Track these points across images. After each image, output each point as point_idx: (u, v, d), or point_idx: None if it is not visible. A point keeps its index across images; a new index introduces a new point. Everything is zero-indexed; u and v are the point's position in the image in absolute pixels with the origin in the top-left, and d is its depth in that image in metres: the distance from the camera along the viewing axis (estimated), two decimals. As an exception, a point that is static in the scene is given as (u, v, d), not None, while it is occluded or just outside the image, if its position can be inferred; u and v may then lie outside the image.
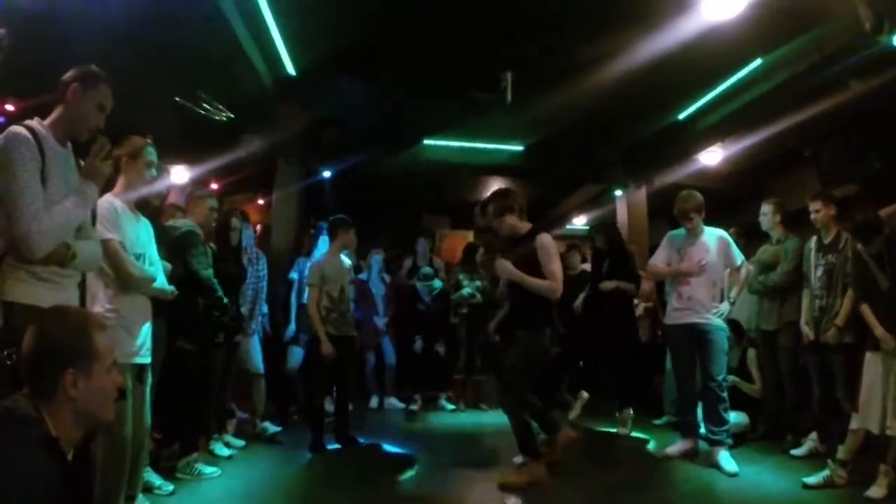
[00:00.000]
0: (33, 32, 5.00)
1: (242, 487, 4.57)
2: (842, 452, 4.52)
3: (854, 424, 4.51)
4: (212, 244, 5.09)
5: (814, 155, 8.48)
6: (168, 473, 4.47)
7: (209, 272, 4.64)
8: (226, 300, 4.83)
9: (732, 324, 5.89)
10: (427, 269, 8.07)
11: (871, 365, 4.40)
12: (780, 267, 5.75)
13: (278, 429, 6.04)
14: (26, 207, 2.57)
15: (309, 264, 6.20)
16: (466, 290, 7.91)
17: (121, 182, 3.54)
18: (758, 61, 6.61)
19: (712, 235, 5.41)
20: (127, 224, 3.45)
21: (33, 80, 3.64)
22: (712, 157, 8.74)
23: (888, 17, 4.85)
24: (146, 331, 3.52)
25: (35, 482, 1.59)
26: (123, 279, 3.39)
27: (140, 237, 3.55)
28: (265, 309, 6.36)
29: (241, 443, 5.61)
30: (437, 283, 8.02)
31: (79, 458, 1.85)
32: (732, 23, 5.24)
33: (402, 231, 10.16)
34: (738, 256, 5.43)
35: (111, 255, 3.30)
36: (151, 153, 3.58)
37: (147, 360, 3.53)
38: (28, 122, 2.72)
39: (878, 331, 4.34)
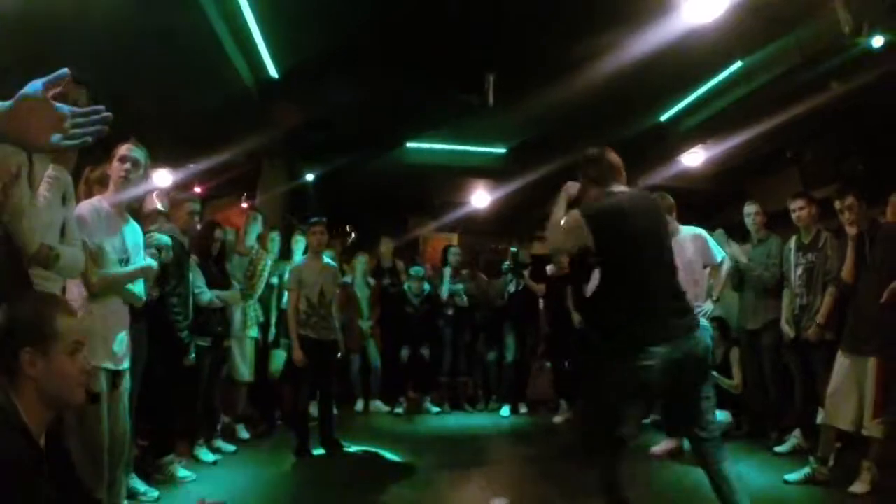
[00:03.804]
0: (17, 36, 4.99)
1: (227, 492, 4.52)
2: (820, 449, 4.57)
3: (819, 419, 4.55)
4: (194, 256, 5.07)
5: (796, 156, 8.56)
6: (152, 479, 4.43)
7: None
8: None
9: (718, 321, 5.91)
10: (418, 269, 8.04)
11: (841, 363, 4.45)
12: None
13: (247, 435, 6.06)
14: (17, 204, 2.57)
15: (288, 268, 6.12)
16: (444, 292, 7.93)
17: (109, 185, 3.53)
18: (738, 63, 6.67)
19: (688, 234, 5.43)
20: (112, 228, 3.42)
21: (17, 84, 3.61)
22: (695, 158, 8.78)
23: (867, 19, 4.91)
24: (122, 338, 3.42)
25: (4, 466, 1.60)
26: (86, 285, 3.32)
27: (126, 241, 3.51)
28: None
29: (231, 448, 5.58)
30: (426, 287, 8.02)
31: (53, 448, 1.86)
32: (713, 25, 5.28)
33: (386, 233, 10.14)
34: (718, 253, 5.43)
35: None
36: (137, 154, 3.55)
37: (123, 366, 3.42)
38: None
39: None
